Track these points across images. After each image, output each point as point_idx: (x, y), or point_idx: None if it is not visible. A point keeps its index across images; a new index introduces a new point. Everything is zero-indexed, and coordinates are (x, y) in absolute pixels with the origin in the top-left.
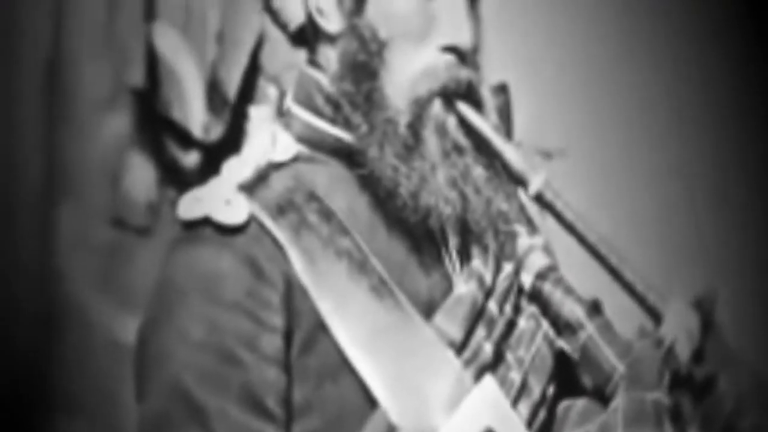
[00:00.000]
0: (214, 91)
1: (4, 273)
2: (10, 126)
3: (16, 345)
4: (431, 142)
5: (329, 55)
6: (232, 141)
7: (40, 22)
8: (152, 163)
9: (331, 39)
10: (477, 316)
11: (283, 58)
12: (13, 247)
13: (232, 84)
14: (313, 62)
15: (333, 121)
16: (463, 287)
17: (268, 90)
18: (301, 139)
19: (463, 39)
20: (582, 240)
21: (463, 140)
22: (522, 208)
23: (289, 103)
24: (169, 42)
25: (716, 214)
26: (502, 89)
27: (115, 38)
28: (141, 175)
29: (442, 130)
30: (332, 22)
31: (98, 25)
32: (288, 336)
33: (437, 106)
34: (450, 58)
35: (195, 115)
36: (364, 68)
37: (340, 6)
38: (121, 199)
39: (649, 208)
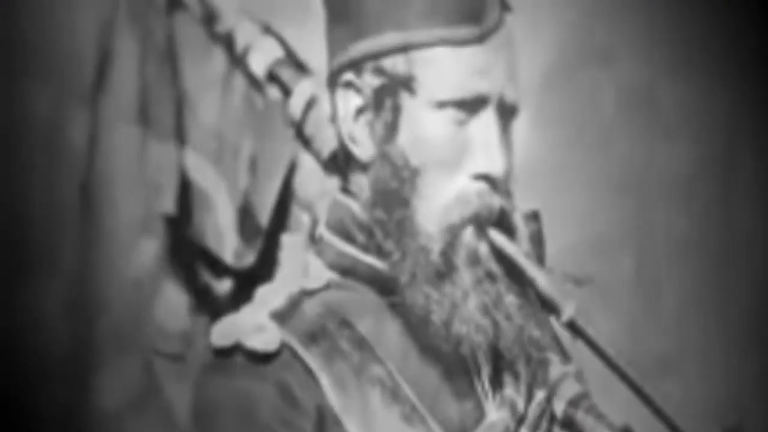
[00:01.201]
0: (246, 217)
1: (39, 395)
2: (48, 249)
3: None
4: (463, 270)
5: (361, 183)
6: (264, 268)
7: (77, 147)
8: (185, 289)
9: (363, 166)
10: None
11: (316, 185)
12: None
13: (264, 211)
14: (345, 190)
15: (365, 249)
16: (495, 415)
17: (301, 217)
18: (333, 267)
19: (496, 167)
20: (613, 366)
21: (495, 267)
22: (555, 336)
23: (322, 231)
24: (200, 168)
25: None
26: (534, 216)
27: (147, 164)
28: (174, 302)
29: (474, 258)
30: (364, 149)
31: (131, 150)
32: None
33: (469, 234)
34: (482, 185)
35: (227, 242)
36: (396, 195)
37: (372, 133)
38: (154, 328)
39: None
